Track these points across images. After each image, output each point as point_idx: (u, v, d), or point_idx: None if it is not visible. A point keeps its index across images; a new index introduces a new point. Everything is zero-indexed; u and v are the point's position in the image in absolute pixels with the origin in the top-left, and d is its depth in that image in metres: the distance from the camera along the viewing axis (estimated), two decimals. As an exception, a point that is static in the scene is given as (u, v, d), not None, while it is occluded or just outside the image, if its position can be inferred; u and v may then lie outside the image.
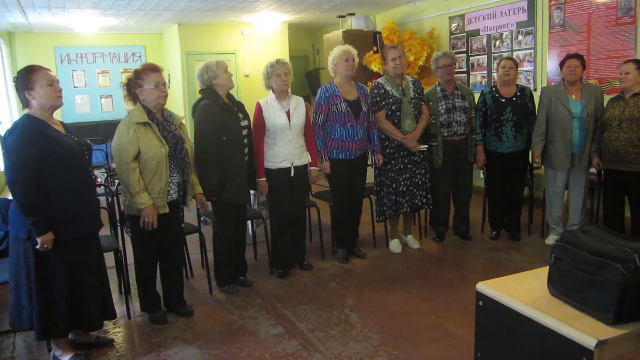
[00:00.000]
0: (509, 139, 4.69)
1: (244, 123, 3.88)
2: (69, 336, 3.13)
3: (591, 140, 4.44)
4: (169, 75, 9.61)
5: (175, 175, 3.37)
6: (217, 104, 3.70)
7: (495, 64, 6.50)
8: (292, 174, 4.11)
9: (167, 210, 3.31)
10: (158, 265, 3.59)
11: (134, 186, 3.18)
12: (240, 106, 3.95)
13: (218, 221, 3.95)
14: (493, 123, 4.74)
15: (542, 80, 6.04)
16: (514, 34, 6.35)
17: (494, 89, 4.80)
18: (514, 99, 4.68)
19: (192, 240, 4.23)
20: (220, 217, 3.92)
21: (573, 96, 4.47)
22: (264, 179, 4.06)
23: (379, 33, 7.95)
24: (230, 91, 3.93)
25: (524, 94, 4.72)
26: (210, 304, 3.86)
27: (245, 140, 3.86)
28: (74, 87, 9.57)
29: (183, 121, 3.54)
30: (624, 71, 4.15)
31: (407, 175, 4.59)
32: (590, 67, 5.44)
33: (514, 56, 6.26)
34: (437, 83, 4.84)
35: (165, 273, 3.62)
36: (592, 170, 4.67)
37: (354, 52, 4.33)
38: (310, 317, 3.57)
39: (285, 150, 4.07)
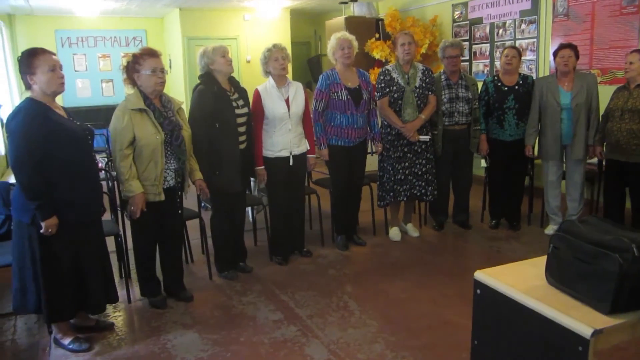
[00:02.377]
0: (511, 127, 4.69)
1: (243, 110, 3.85)
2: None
3: (586, 130, 4.43)
4: (170, 60, 9.57)
5: (171, 162, 3.36)
6: (211, 90, 3.69)
7: (498, 53, 6.46)
8: (291, 163, 4.10)
9: (162, 198, 3.31)
10: (158, 251, 3.61)
11: (124, 173, 3.18)
12: (242, 92, 3.92)
13: (213, 207, 3.96)
14: (495, 111, 4.73)
15: (544, 69, 6.01)
16: (517, 23, 6.31)
17: (496, 77, 4.79)
18: (516, 87, 4.67)
19: (192, 225, 4.24)
20: (215, 203, 3.92)
21: (565, 86, 4.46)
22: (262, 167, 4.04)
23: (382, 20, 7.89)
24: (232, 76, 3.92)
25: (526, 82, 4.70)
26: (210, 289, 3.88)
27: (243, 128, 3.84)
28: (75, 71, 9.54)
29: (183, 106, 3.53)
30: (628, 61, 4.13)
31: (407, 164, 4.58)
32: (594, 57, 5.41)
33: (517, 45, 6.23)
34: (441, 71, 4.81)
35: (165, 258, 3.64)
36: (592, 160, 4.67)
37: (350, 37, 4.29)
38: (309, 303, 3.59)
39: (284, 139, 4.05)
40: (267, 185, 4.13)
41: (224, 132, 3.70)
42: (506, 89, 4.68)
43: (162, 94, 3.40)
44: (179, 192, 3.53)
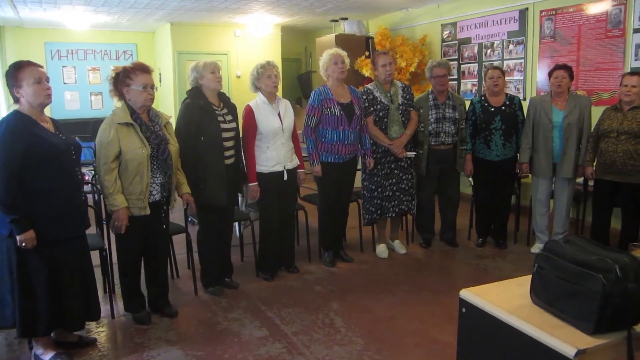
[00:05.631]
0: (498, 148, 4.73)
1: (231, 125, 3.85)
2: (51, 335, 3.10)
3: (576, 149, 4.47)
4: (160, 74, 9.57)
5: (158, 176, 3.34)
6: (197, 104, 3.69)
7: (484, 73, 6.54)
8: (285, 178, 4.10)
9: (148, 212, 3.29)
10: (143, 265, 3.57)
11: (108, 187, 3.16)
12: (231, 108, 3.93)
13: (200, 222, 3.94)
14: (482, 132, 4.77)
15: (531, 89, 6.09)
16: (504, 43, 6.40)
17: (483, 98, 4.83)
18: (503, 107, 4.72)
19: (178, 240, 4.21)
20: (202, 218, 3.90)
21: (558, 106, 4.51)
22: (256, 183, 4.03)
23: (372, 38, 7.98)
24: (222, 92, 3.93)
25: (513, 102, 4.75)
26: (195, 305, 3.84)
27: (230, 143, 3.84)
28: (64, 83, 9.50)
29: (170, 120, 3.53)
30: (629, 84, 4.09)
31: (394, 180, 4.61)
32: (580, 78, 5.50)
33: (504, 65, 6.31)
34: (429, 90, 4.85)
35: (150, 273, 3.61)
36: (579, 180, 4.72)
37: (343, 54, 4.33)
38: (295, 320, 3.56)
39: (279, 153, 4.05)
40: (260, 200, 4.11)
41: (209, 146, 3.70)
42: (493, 109, 4.72)
43: (150, 108, 3.39)
44: (165, 207, 3.50)
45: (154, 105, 3.47)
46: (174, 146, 3.43)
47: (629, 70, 4.88)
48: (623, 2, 5.07)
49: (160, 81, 9.58)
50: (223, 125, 3.77)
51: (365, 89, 4.59)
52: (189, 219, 4.59)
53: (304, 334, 3.36)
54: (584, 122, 4.47)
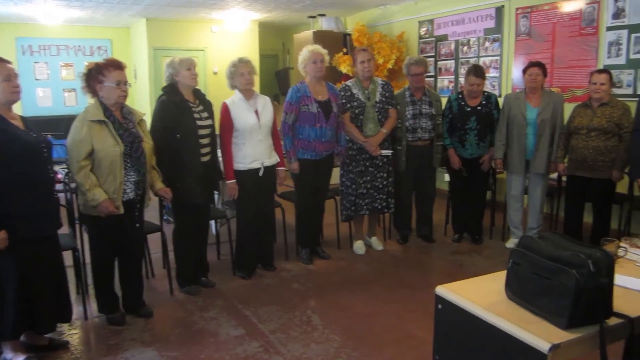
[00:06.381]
0: (472, 147, 4.76)
1: (207, 122, 3.80)
2: (21, 338, 3.02)
3: (549, 146, 4.51)
4: (135, 70, 9.43)
5: (131, 174, 3.28)
6: (173, 100, 3.64)
7: (462, 69, 6.58)
8: (260, 174, 4.06)
9: (121, 211, 3.22)
10: (116, 265, 3.51)
11: (83, 184, 3.09)
12: (207, 105, 3.88)
13: (176, 220, 3.89)
14: (457, 131, 4.80)
15: (507, 86, 6.15)
16: (481, 41, 6.45)
17: (460, 96, 4.85)
18: (479, 107, 4.74)
19: (153, 239, 4.15)
20: (177, 216, 3.85)
21: (532, 102, 4.55)
22: (234, 181, 3.99)
23: (349, 35, 7.98)
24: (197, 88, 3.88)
25: (490, 101, 4.77)
26: (171, 304, 3.79)
27: (206, 140, 3.79)
28: (36, 79, 9.30)
29: (145, 117, 3.46)
30: (597, 82, 4.13)
31: (368, 178, 4.60)
32: (554, 75, 5.56)
33: (481, 62, 6.36)
34: (406, 87, 4.85)
35: (123, 273, 3.54)
36: (552, 175, 4.77)
37: (323, 52, 4.30)
38: (272, 318, 3.54)
39: (255, 150, 4.01)
40: (238, 198, 4.07)
41: (185, 143, 3.65)
42: (469, 109, 4.74)
43: (124, 105, 3.33)
44: (139, 205, 3.44)
45: (128, 102, 3.41)
46: (147, 144, 3.37)
47: (602, 67, 4.95)
48: (596, 1, 5.14)
49: (135, 77, 9.44)
50: (199, 122, 3.72)
51: (344, 86, 4.57)
52: (164, 217, 4.53)
53: (281, 332, 3.33)
54: (557, 120, 4.52)
